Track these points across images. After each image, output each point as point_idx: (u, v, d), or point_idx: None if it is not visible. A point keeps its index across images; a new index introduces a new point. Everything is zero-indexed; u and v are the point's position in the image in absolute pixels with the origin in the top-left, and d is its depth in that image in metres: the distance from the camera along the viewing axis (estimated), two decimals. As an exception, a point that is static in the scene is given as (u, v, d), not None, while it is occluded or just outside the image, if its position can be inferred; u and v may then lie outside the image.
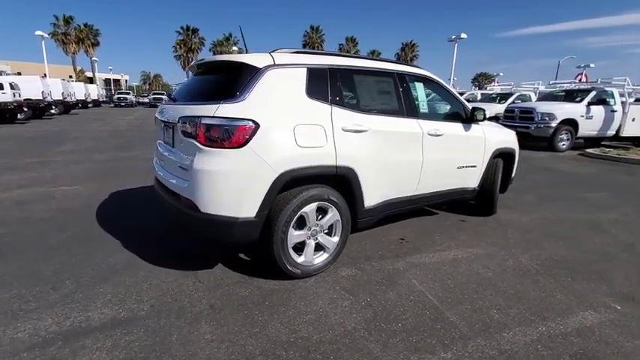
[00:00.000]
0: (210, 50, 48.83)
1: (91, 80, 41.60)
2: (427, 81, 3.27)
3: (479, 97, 16.24)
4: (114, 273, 2.48)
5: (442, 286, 2.47)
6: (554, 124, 9.77)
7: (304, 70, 2.36)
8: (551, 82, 14.64)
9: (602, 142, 11.01)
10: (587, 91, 10.53)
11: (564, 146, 9.99)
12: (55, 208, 3.85)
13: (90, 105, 26.80)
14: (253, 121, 2.06)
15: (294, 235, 2.35)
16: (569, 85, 13.06)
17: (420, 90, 3.16)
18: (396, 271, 2.65)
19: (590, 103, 10.10)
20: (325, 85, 2.43)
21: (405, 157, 2.88)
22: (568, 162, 8.44)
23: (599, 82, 11.01)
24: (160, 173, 2.62)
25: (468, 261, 2.88)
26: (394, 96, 2.88)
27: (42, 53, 27.90)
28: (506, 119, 11.05)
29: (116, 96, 33.76)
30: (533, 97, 13.50)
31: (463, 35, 23.27)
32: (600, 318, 2.16)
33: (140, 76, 73.25)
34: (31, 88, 15.25)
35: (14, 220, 3.44)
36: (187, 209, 2.16)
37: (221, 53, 46.73)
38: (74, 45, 43.71)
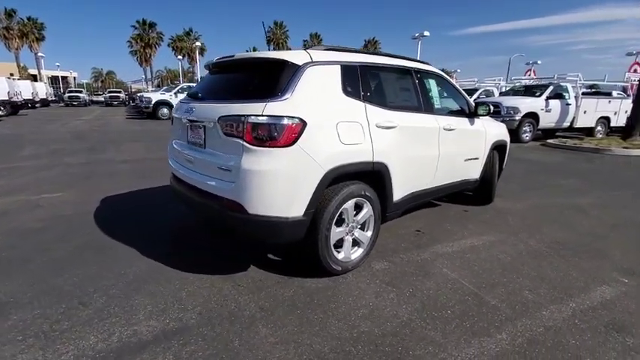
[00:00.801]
0: (169, 46, 46.58)
1: (35, 78, 38.00)
2: (437, 77, 3.40)
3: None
4: (143, 282, 2.34)
5: (471, 272, 2.60)
6: (518, 117, 10.49)
7: (338, 68, 2.36)
8: (512, 78, 15.67)
9: (557, 133, 12.01)
10: (546, 87, 11.40)
11: (527, 137, 10.78)
12: (45, 217, 3.52)
13: (38, 105, 24.48)
14: (300, 119, 2.03)
15: (336, 232, 2.36)
16: (528, 80, 14.07)
17: (433, 86, 3.28)
18: (425, 262, 2.75)
19: (548, 98, 10.96)
20: (357, 82, 2.45)
21: (425, 151, 2.98)
22: (534, 152, 9.12)
23: (555, 77, 11.95)
24: (187, 174, 2.50)
25: (485, 248, 3.05)
26: (413, 92, 2.96)
27: (-21, 49, 25.01)
28: (475, 113, 11.67)
29: (67, 95, 31.12)
30: (496, 92, 14.40)
31: (426, 33, 24.14)
32: (615, 291, 2.39)
33: (91, 73, 68.21)
34: (-29, 87, 13.68)
35: (3, 232, 3.11)
36: (233, 211, 2.08)
37: (182, 49, 44.80)
38: (17, 40, 39.93)
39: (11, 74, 27.51)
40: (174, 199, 3.04)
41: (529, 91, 11.96)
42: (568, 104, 11.20)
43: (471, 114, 3.64)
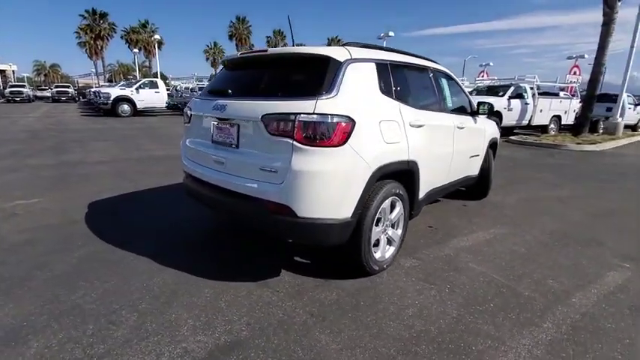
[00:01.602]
0: (122, 38, 43.41)
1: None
2: (447, 76, 3.49)
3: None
4: (173, 294, 2.16)
5: (495, 265, 2.71)
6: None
7: (374, 65, 2.33)
8: (476, 79, 16.58)
9: (515, 130, 12.90)
10: (508, 87, 12.20)
11: (493, 135, 11.47)
12: (27, 227, 3.13)
13: (-29, 100, 21.79)
14: (350, 118, 1.97)
15: (375, 232, 2.33)
16: (490, 81, 14.95)
17: (445, 85, 3.36)
18: (449, 257, 2.82)
19: (510, 97, 11.75)
20: (389, 81, 2.44)
21: (444, 149, 3.05)
22: (502, 148, 9.68)
23: (516, 78, 12.83)
24: (212, 176, 2.34)
25: (498, 241, 3.19)
26: (432, 91, 3.01)
27: None
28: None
29: (8, 90, 27.90)
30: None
31: (391, 33, 24.76)
32: (622, 276, 2.61)
33: (33, 66, 61.67)
34: None
35: (-17, 248, 2.72)
36: (277, 214, 1.98)
37: (137, 41, 42.01)
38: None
39: None
40: (196, 201, 2.81)
41: (492, 91, 12.72)
42: (527, 103, 12.07)
43: (473, 112, 3.79)
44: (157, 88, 16.22)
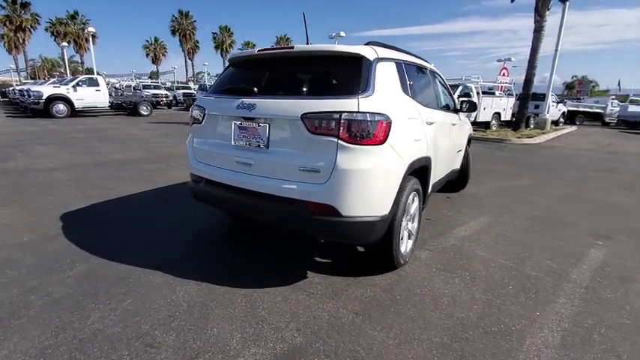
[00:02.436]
0: (47, 30, 38.54)
1: None
2: (440, 76, 3.67)
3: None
4: (204, 308, 2.01)
5: (498, 251, 2.93)
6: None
7: (394, 65, 2.38)
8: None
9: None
10: (456, 87, 13.14)
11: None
12: (-6, 248, 2.68)
13: None
14: (387, 116, 2.00)
15: (402, 227, 2.39)
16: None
17: (439, 84, 3.53)
18: (456, 247, 2.98)
19: (459, 96, 12.67)
20: (406, 80, 2.50)
21: (445, 145, 3.21)
22: (457, 143, 10.47)
23: (463, 79, 13.87)
24: (237, 178, 2.21)
25: (490, 228, 3.45)
26: (432, 90, 3.16)
27: None
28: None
29: None
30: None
31: (342, 33, 25.24)
32: (601, 252, 2.98)
33: None
34: None
35: (-55, 276, 2.28)
36: (320, 215, 1.94)
37: (65, 34, 37.65)
38: None
39: None
40: (211, 205, 2.68)
41: (442, 90, 13.63)
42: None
43: (456, 110, 4.04)
44: (98, 85, 14.73)
